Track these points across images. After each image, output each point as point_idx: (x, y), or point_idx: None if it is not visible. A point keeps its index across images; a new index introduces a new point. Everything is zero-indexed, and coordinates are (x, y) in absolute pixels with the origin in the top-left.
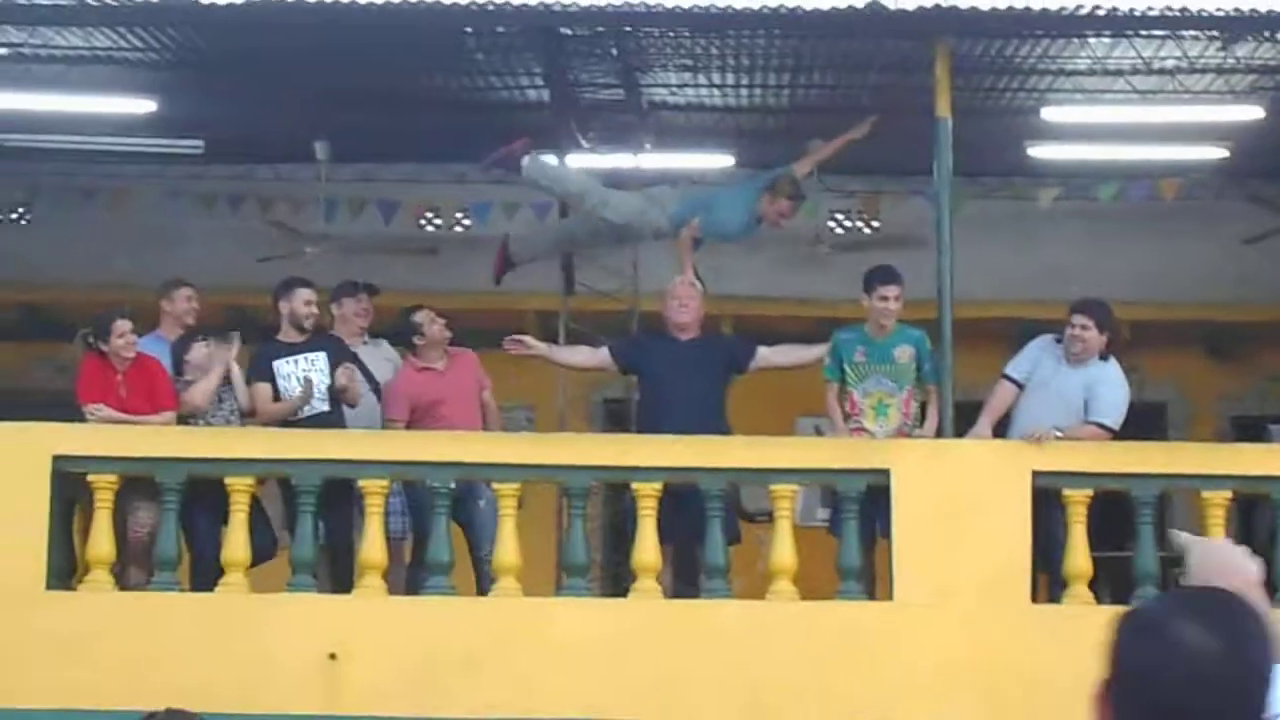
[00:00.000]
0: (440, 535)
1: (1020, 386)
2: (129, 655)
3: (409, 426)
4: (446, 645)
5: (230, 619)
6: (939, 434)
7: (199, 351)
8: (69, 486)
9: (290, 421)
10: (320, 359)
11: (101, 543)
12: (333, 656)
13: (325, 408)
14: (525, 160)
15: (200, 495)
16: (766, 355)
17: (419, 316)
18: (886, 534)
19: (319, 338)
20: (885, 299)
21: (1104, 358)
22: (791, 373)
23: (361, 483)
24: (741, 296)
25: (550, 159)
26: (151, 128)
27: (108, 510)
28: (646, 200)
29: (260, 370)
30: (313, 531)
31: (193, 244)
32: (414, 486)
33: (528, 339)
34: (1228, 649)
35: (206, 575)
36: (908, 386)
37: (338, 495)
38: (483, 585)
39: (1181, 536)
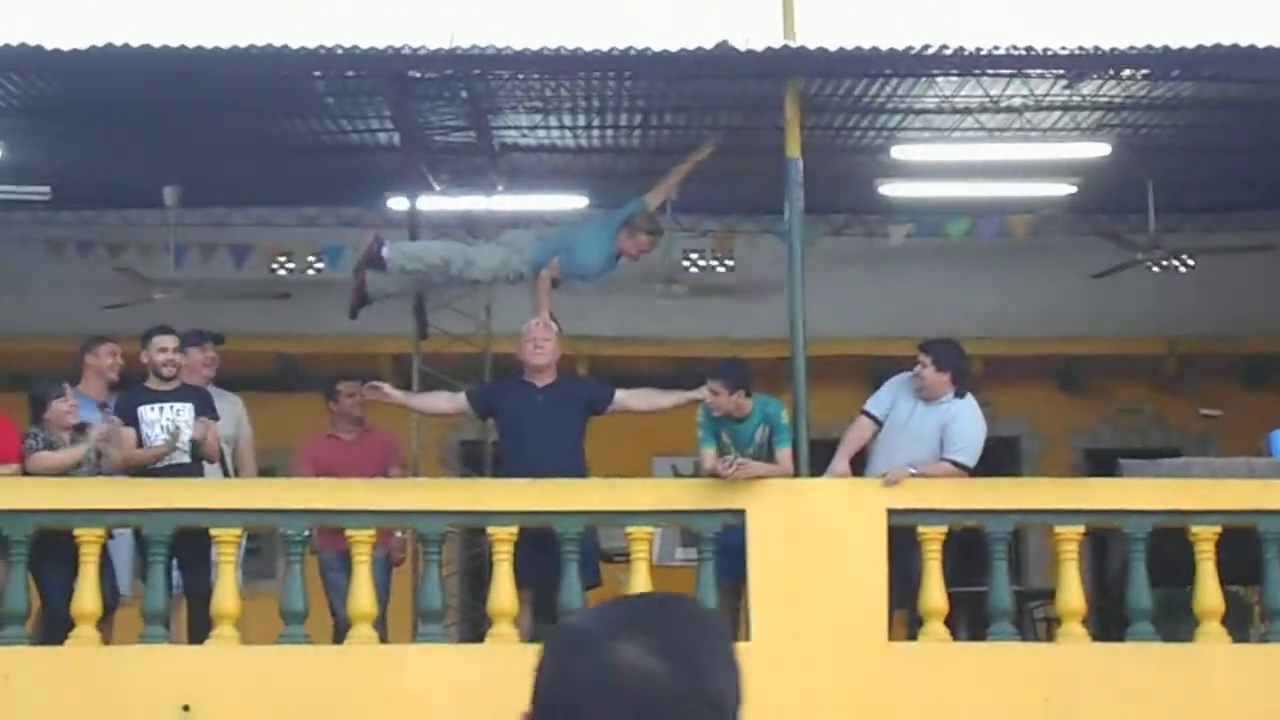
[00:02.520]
0: (294, 583)
1: (879, 423)
2: None
3: None
4: (302, 695)
5: (81, 672)
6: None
7: (56, 409)
8: None
9: (146, 472)
10: (186, 410)
11: None
12: (186, 708)
13: (186, 459)
14: (385, 250)
15: (49, 547)
16: (623, 399)
17: (340, 385)
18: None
19: (185, 388)
20: (710, 392)
21: (960, 395)
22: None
23: (214, 531)
24: (597, 337)
25: (407, 240)
26: None
27: None
28: (507, 250)
29: (124, 414)
30: (164, 582)
31: (41, 291)
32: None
33: (385, 386)
34: (676, 673)
35: (57, 628)
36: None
37: (194, 544)
38: None
39: None
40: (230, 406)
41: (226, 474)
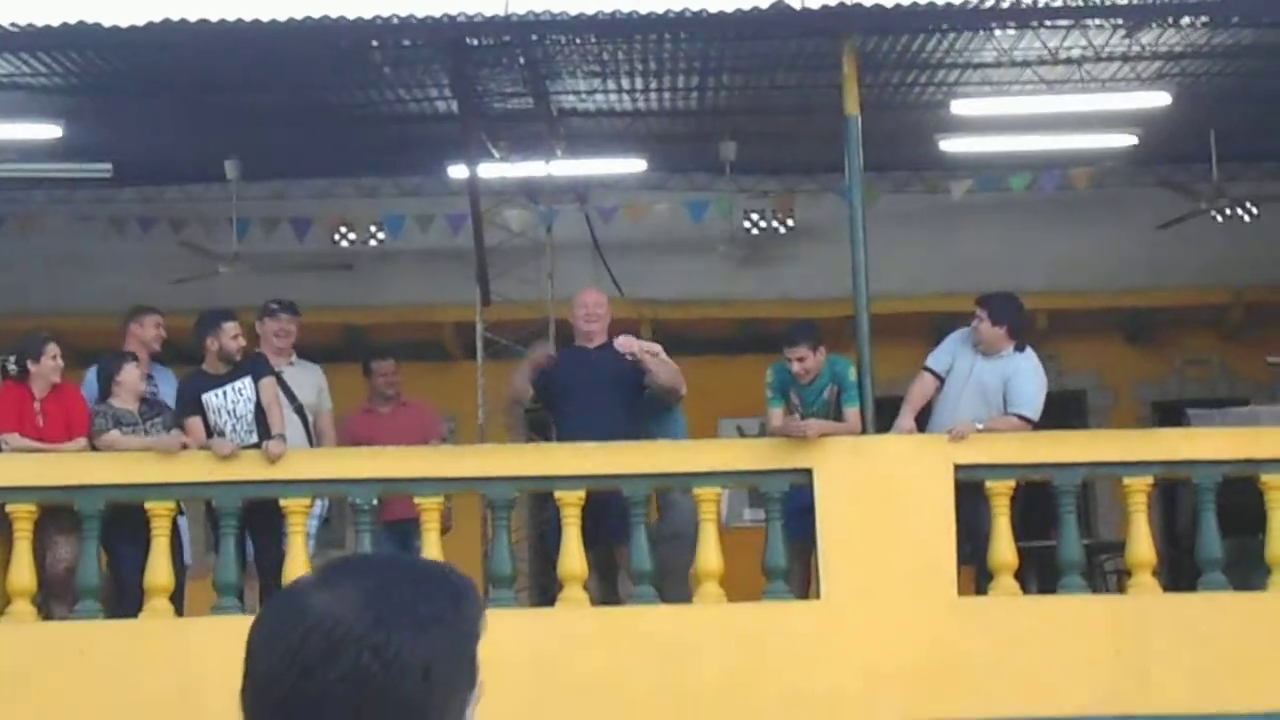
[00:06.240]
0: (364, 551)
1: (940, 378)
2: (54, 686)
3: None
4: None
5: (156, 644)
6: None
7: (130, 373)
8: None
9: None
10: (246, 385)
11: (22, 574)
12: None
13: (252, 439)
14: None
15: (120, 521)
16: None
17: (374, 364)
18: None
19: (239, 364)
20: (790, 360)
21: (1020, 349)
22: (714, 375)
23: (283, 502)
24: (660, 301)
25: None
26: (59, 152)
27: (27, 541)
28: None
29: (189, 404)
30: (236, 554)
31: (105, 268)
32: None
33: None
34: (354, 621)
35: (130, 601)
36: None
37: (265, 516)
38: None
39: None
40: (312, 377)
41: (311, 441)
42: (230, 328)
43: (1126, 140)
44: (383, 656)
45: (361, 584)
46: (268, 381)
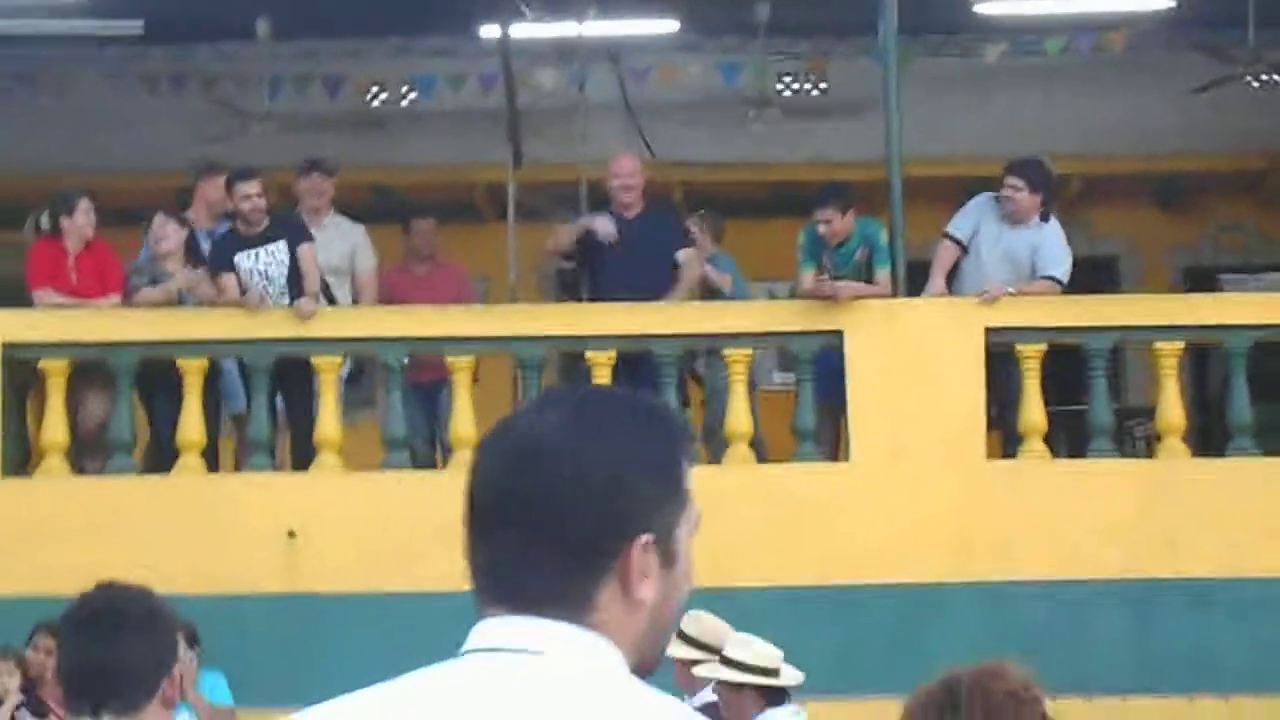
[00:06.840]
0: (395, 410)
1: (963, 246)
2: (87, 540)
3: None
4: (404, 520)
5: (188, 499)
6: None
7: (156, 233)
8: (21, 374)
9: None
10: (280, 248)
11: (56, 429)
12: (292, 534)
13: (284, 303)
14: None
15: (155, 377)
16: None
17: (414, 223)
18: None
19: (277, 225)
20: (820, 222)
21: (1044, 218)
22: (746, 237)
23: (314, 360)
24: (692, 163)
25: None
26: (89, 9)
27: (60, 396)
28: None
29: (222, 262)
30: (268, 410)
31: (136, 126)
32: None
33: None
34: (564, 438)
35: (163, 457)
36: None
37: (297, 373)
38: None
39: None
40: (345, 237)
41: (332, 303)
42: (245, 187)
43: (1163, 2)
44: (575, 463)
45: (566, 406)
46: (307, 248)
